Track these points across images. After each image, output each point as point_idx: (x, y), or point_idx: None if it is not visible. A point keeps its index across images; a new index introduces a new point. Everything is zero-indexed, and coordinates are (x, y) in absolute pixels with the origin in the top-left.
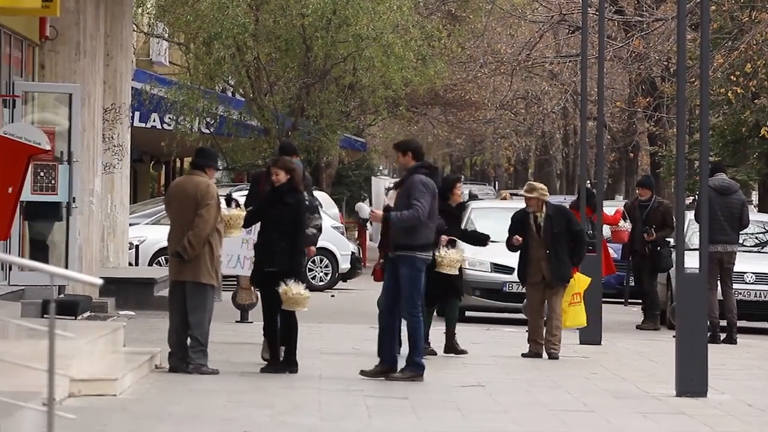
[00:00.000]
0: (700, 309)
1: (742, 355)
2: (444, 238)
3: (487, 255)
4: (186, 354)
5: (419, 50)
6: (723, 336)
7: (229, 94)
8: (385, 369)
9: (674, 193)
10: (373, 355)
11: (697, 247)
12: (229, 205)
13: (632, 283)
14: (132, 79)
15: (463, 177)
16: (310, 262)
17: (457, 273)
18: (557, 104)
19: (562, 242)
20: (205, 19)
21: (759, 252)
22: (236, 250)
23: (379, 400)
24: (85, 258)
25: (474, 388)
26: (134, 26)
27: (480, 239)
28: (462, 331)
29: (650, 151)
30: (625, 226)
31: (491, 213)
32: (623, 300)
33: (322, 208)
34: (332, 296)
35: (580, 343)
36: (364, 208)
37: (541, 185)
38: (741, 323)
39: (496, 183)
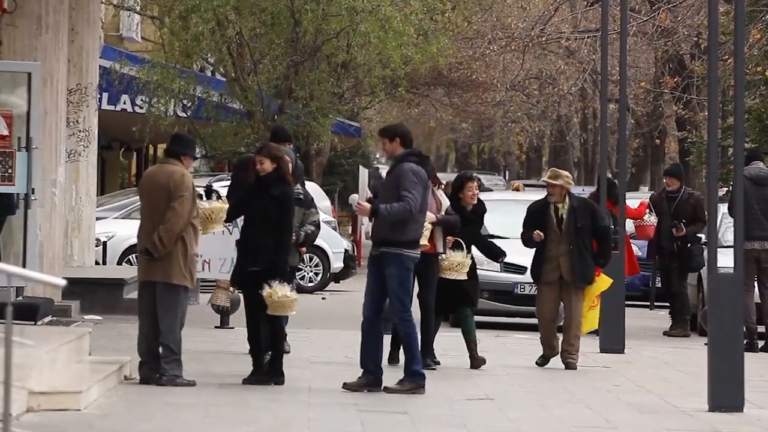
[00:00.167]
0: (735, 313)
1: None
2: (450, 238)
3: None
4: (158, 363)
5: (420, 24)
6: (761, 344)
7: (209, 74)
8: (369, 381)
9: (706, 183)
10: None
11: (732, 243)
12: (209, 197)
13: (659, 285)
14: (100, 57)
15: (477, 176)
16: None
17: (464, 278)
18: (574, 85)
19: (586, 238)
20: None
21: None
22: (230, 253)
23: (375, 416)
24: (46, 256)
25: (482, 402)
26: None
27: (495, 253)
28: None
29: (678, 136)
30: (651, 220)
31: (501, 206)
32: (649, 303)
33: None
34: (323, 299)
35: (601, 352)
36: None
37: (566, 173)
38: None
39: (506, 172)
